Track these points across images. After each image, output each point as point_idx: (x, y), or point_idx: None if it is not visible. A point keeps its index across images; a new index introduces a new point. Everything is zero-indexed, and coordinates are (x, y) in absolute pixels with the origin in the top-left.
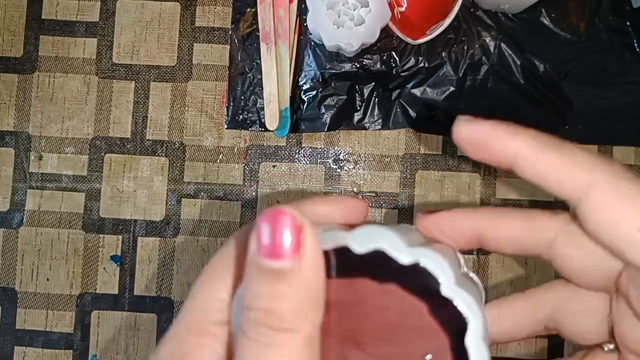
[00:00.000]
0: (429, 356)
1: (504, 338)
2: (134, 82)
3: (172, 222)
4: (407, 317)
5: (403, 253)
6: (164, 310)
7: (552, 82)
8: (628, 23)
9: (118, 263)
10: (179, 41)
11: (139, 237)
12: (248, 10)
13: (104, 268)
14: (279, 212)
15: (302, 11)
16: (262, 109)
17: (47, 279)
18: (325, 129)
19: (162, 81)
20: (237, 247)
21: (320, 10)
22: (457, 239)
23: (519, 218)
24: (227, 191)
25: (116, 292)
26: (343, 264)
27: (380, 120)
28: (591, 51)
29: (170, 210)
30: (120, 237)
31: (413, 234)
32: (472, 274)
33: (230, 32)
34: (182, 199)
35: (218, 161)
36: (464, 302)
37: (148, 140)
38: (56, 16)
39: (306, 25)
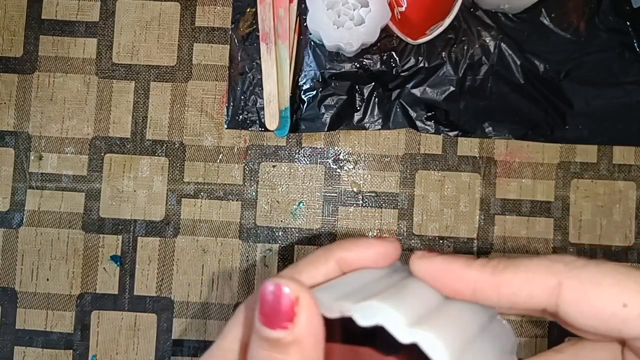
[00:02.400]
0: None
1: None
2: (133, 82)
3: (172, 222)
4: None
5: (403, 333)
6: (163, 310)
7: (552, 82)
8: (628, 23)
9: (118, 263)
10: (178, 41)
11: (138, 237)
12: (248, 10)
13: (104, 268)
14: (277, 284)
15: (302, 11)
16: (262, 109)
17: (47, 279)
18: (325, 129)
19: (162, 81)
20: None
21: (320, 10)
22: (458, 291)
23: (517, 270)
24: (227, 191)
25: (116, 292)
26: (349, 332)
27: (380, 120)
28: (591, 51)
29: (170, 210)
30: (120, 237)
31: (424, 290)
32: (502, 321)
33: (230, 32)
34: (182, 199)
35: (218, 161)
36: None
37: (148, 140)
38: (56, 16)
39: (306, 25)
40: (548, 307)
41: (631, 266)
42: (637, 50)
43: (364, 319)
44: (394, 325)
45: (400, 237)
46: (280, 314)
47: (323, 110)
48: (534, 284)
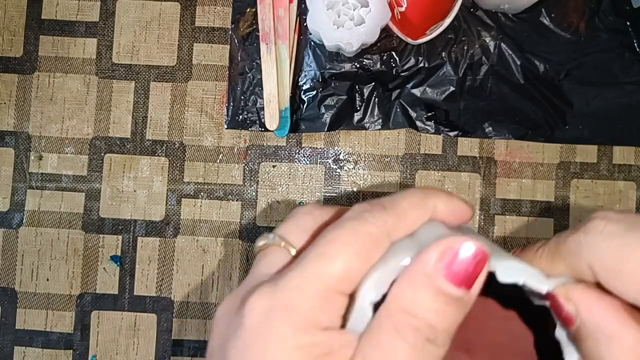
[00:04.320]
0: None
1: None
2: (133, 82)
3: (172, 222)
4: (517, 342)
5: (545, 285)
6: (163, 310)
7: (552, 82)
8: (628, 23)
9: (118, 263)
10: (178, 41)
11: (138, 237)
12: (248, 10)
13: (104, 268)
14: (480, 249)
15: (302, 11)
16: (262, 109)
17: (47, 279)
18: (325, 129)
19: (162, 81)
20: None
21: (320, 10)
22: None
23: (561, 263)
24: (227, 191)
25: (116, 292)
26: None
27: (380, 120)
28: (591, 51)
29: (170, 210)
30: (120, 237)
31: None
32: None
33: (230, 32)
34: (182, 199)
35: (218, 161)
36: (565, 345)
37: (148, 140)
38: (56, 16)
39: (306, 25)
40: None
41: None
42: (637, 50)
43: (506, 276)
44: (538, 282)
45: None
46: (471, 277)
47: (323, 111)
48: (571, 268)
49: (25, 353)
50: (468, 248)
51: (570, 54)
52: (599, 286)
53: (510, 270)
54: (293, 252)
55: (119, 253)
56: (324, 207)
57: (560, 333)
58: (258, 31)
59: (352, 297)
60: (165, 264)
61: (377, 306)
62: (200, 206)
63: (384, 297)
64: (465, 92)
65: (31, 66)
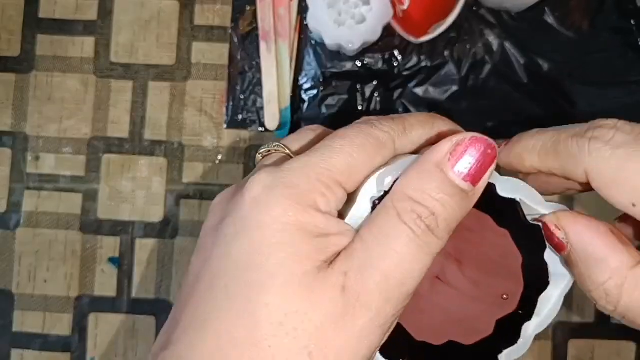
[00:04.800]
0: (505, 296)
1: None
2: (132, 81)
3: (171, 224)
4: (506, 260)
5: (541, 206)
6: (162, 312)
7: (555, 81)
8: (632, 22)
9: (116, 265)
10: (177, 40)
11: (137, 239)
12: (248, 8)
13: (102, 270)
14: (494, 149)
15: (303, 9)
16: (262, 108)
17: (45, 281)
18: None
19: (161, 80)
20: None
21: (321, 9)
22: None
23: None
24: None
25: (114, 294)
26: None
27: None
28: (595, 50)
29: (169, 211)
30: (118, 238)
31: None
32: None
33: (229, 31)
34: (181, 199)
35: (217, 161)
36: (553, 267)
37: (146, 140)
38: (54, 15)
39: (307, 23)
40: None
41: None
42: None
43: (505, 191)
44: (536, 203)
45: None
46: (479, 171)
47: (324, 110)
48: (563, 167)
49: (23, 356)
50: (480, 142)
51: (573, 53)
52: (586, 188)
53: (510, 186)
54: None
55: (117, 255)
56: (329, 129)
57: (549, 256)
58: (258, 30)
59: (350, 199)
60: (164, 266)
61: (374, 208)
62: (200, 207)
63: (383, 196)
64: (468, 92)
65: (29, 65)
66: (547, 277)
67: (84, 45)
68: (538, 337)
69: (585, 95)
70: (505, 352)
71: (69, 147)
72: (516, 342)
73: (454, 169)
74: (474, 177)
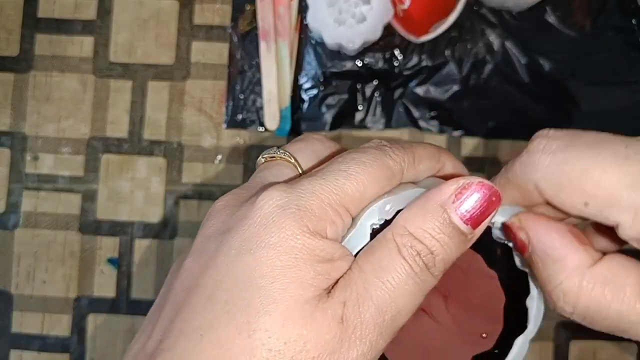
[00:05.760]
0: (484, 335)
1: None
2: (131, 81)
3: (170, 224)
4: (490, 301)
5: (500, 215)
6: None
7: (557, 81)
8: (634, 21)
9: (115, 265)
10: (177, 39)
11: (136, 239)
12: (248, 7)
13: (101, 270)
14: (498, 196)
15: (303, 8)
16: (262, 108)
17: (44, 282)
18: (326, 129)
19: (160, 80)
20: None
21: (321, 8)
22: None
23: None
24: (226, 192)
25: (113, 295)
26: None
27: (382, 120)
28: (597, 50)
29: (168, 211)
30: (117, 239)
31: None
32: None
33: (229, 30)
34: (180, 200)
35: (217, 162)
36: (532, 308)
37: (145, 140)
38: (53, 14)
39: (307, 23)
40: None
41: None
42: None
43: (499, 231)
44: (497, 214)
45: None
46: (480, 216)
47: (324, 110)
48: (522, 193)
49: (22, 357)
50: (486, 188)
51: (575, 52)
52: (550, 207)
53: (507, 211)
54: (300, 171)
55: (116, 255)
56: (334, 142)
57: (530, 301)
58: (258, 29)
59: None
60: (163, 267)
61: (373, 235)
62: (199, 208)
63: (383, 225)
64: (470, 92)
65: (27, 65)
66: (526, 320)
67: (83, 45)
68: (539, 338)
69: (587, 94)
70: None
71: (68, 147)
72: None
73: (456, 211)
74: (475, 221)
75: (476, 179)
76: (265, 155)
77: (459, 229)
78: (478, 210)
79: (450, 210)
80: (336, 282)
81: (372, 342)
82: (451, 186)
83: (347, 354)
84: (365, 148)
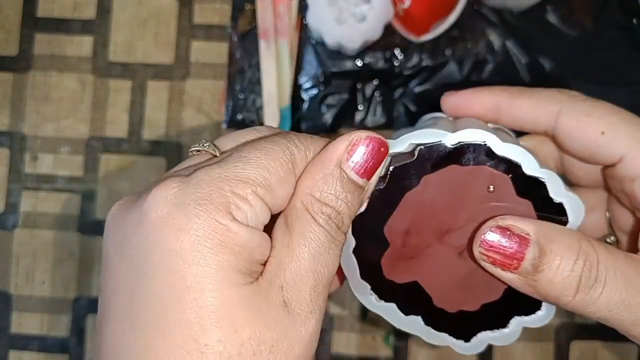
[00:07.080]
0: (491, 187)
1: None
2: (130, 80)
3: None
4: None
5: (535, 172)
6: None
7: (558, 80)
8: (635, 21)
9: None
10: (176, 39)
11: None
12: (247, 7)
13: (101, 271)
14: (384, 147)
15: (303, 8)
16: (262, 108)
17: (43, 282)
18: (326, 129)
19: (160, 80)
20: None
21: (321, 7)
22: (481, 113)
23: (530, 96)
24: None
25: None
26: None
27: (382, 120)
28: (598, 49)
29: None
30: None
31: (445, 122)
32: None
33: (229, 29)
34: None
35: None
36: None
37: (145, 140)
38: (52, 14)
39: (307, 22)
40: (548, 130)
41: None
42: None
43: (499, 150)
44: (529, 166)
45: None
46: (371, 168)
47: (324, 110)
48: (540, 108)
49: (21, 358)
50: (374, 140)
51: (576, 52)
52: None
53: (509, 149)
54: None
55: None
56: (281, 130)
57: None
58: (257, 28)
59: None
60: None
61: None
62: None
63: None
64: None
65: (26, 65)
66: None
67: (82, 44)
68: (540, 339)
69: (588, 94)
70: (517, 319)
71: (67, 147)
72: (534, 313)
73: (352, 168)
74: (369, 173)
75: (363, 133)
76: (192, 149)
77: (357, 184)
78: (370, 162)
79: (346, 167)
80: (265, 265)
81: (320, 309)
82: (343, 142)
83: (303, 330)
84: (269, 136)
